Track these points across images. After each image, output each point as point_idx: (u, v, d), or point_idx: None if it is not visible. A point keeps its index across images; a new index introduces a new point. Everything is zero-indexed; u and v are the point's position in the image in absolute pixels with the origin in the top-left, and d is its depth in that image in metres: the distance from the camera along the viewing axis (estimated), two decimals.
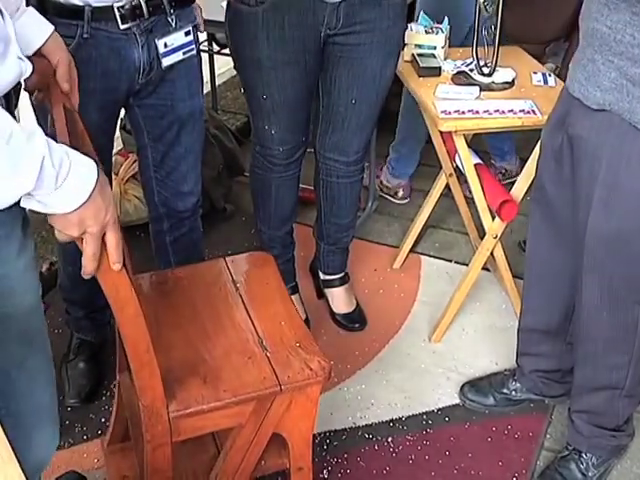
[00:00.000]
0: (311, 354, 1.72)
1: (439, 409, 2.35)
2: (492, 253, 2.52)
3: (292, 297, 2.60)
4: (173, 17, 1.93)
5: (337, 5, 2.10)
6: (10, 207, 1.19)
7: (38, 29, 1.51)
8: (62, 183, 1.12)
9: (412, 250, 3.00)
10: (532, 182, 2.24)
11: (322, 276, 2.73)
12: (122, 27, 1.84)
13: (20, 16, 1.47)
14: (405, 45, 2.45)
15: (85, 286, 2.29)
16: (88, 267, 1.27)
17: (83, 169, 1.16)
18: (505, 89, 2.43)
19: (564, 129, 1.79)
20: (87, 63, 1.80)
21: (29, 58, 1.36)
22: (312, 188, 2.65)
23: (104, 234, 1.23)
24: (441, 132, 2.43)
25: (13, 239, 1.28)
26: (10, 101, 1.28)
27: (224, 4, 2.23)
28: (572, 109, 1.76)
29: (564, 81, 1.85)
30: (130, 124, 2.14)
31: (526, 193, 2.38)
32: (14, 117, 1.25)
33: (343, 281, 2.71)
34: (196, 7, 2.05)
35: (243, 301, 1.87)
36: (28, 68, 1.31)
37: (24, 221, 1.29)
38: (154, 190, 2.21)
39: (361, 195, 2.65)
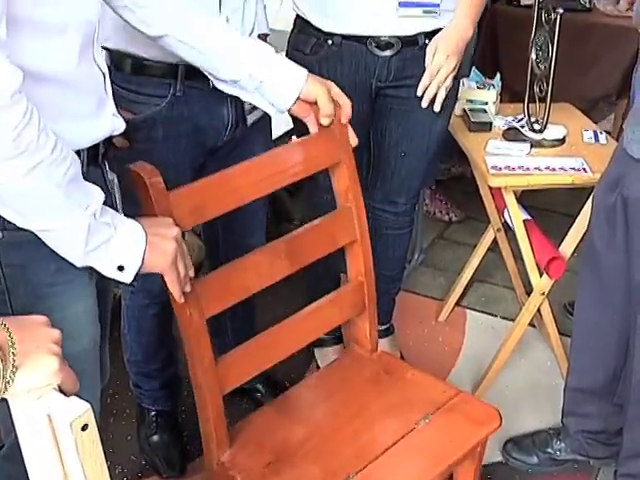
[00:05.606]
0: None
1: (482, 466, 2.31)
2: (539, 310, 2.50)
3: (335, 347, 2.64)
4: None
5: (388, 58, 2.14)
6: None
7: (287, 90, 1.62)
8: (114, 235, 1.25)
9: (458, 303, 2.99)
10: (581, 239, 2.24)
11: None
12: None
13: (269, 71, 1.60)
14: (457, 100, 2.47)
15: (161, 354, 2.24)
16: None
17: (129, 227, 1.29)
18: (556, 146, 2.44)
19: (619, 190, 1.78)
20: (179, 121, 1.84)
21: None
22: None
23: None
24: (490, 187, 2.44)
25: (75, 285, 1.33)
26: (98, 152, 1.34)
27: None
28: (629, 170, 1.75)
29: (614, 138, 1.85)
30: None
31: (575, 250, 2.37)
32: (101, 168, 1.37)
33: (388, 332, 2.70)
34: None
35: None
36: (121, 125, 1.38)
37: (88, 269, 1.33)
38: (219, 246, 2.20)
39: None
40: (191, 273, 1.42)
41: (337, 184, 1.78)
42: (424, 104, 2.10)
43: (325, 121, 1.66)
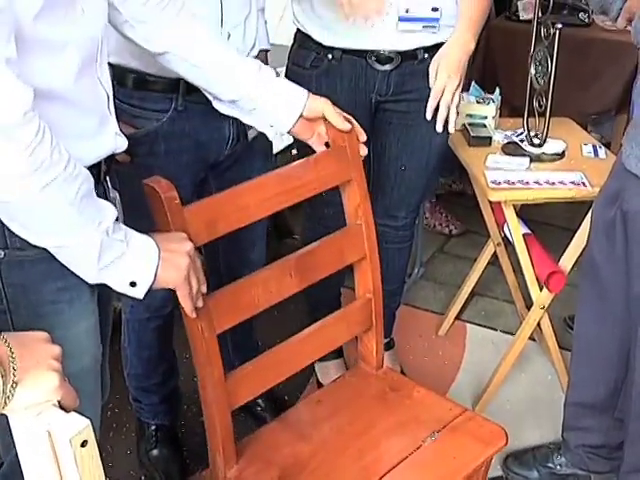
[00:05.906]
0: None
1: None
2: (539, 324, 2.50)
3: (335, 361, 2.64)
4: None
5: (388, 73, 2.15)
6: (74, 273, 1.26)
7: (286, 112, 1.63)
8: (126, 251, 1.25)
9: (458, 317, 2.99)
10: (580, 253, 2.24)
11: None
12: None
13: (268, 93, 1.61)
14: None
15: (161, 367, 2.23)
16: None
17: (142, 243, 1.29)
18: (555, 160, 2.45)
19: (618, 204, 1.79)
20: (181, 136, 1.84)
21: None
22: None
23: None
24: (490, 202, 2.44)
25: (76, 304, 1.33)
26: (100, 170, 1.35)
27: (279, 70, 2.28)
28: (628, 184, 1.75)
29: (614, 153, 1.85)
30: (200, 195, 2.14)
31: (574, 264, 2.37)
32: (103, 186, 1.37)
33: (388, 346, 2.69)
34: None
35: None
36: (123, 144, 1.39)
37: (91, 287, 1.33)
38: (219, 258, 2.20)
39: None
40: (203, 289, 1.41)
41: (348, 201, 1.78)
42: (439, 128, 2.03)
43: (346, 125, 1.65)
